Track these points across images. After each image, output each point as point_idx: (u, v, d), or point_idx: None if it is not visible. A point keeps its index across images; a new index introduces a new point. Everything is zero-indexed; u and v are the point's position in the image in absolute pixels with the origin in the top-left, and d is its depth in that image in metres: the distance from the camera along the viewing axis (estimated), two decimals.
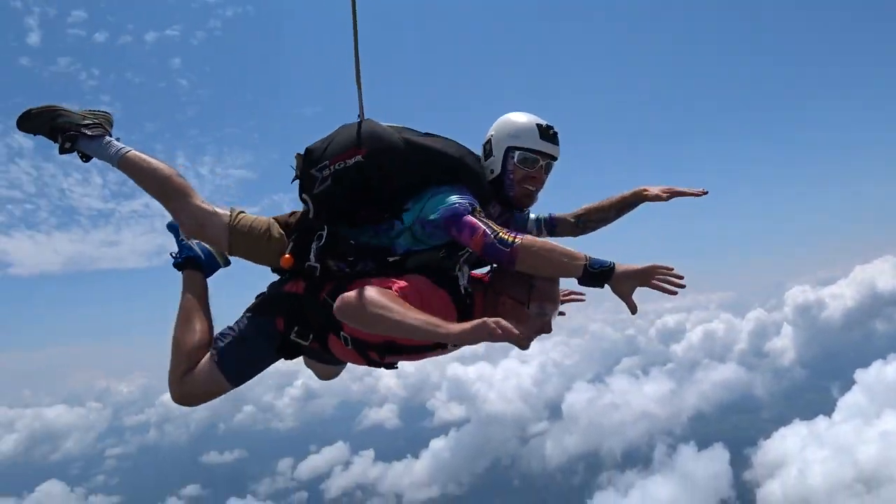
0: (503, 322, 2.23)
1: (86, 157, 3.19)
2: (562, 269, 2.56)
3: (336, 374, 3.76)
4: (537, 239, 2.61)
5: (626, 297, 2.48)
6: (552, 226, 3.42)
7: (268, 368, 3.14)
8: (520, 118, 3.00)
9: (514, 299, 2.82)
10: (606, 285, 2.48)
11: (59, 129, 3.13)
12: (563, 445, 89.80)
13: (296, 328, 2.93)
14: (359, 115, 2.99)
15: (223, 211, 3.12)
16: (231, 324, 3.08)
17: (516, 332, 2.22)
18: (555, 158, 3.03)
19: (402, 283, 2.66)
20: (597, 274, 2.47)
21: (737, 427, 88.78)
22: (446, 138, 3.03)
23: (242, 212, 3.08)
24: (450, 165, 2.91)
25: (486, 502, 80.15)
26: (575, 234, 3.43)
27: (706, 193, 3.17)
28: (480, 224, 2.63)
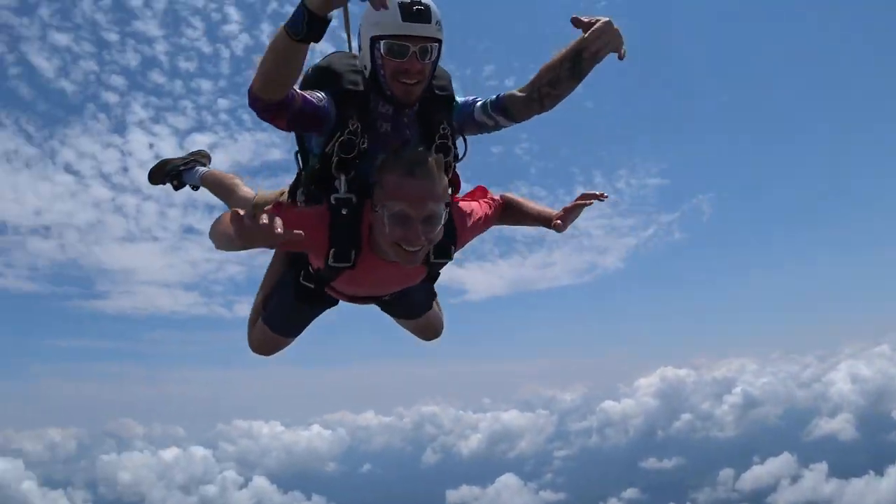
0: (260, 217, 2.12)
1: (194, 187, 3.89)
2: (273, 44, 2.25)
3: (430, 331, 3.79)
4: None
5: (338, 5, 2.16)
6: (502, 107, 2.86)
7: (313, 321, 3.42)
8: None
9: (372, 201, 2.54)
10: (313, 10, 2.12)
11: (168, 174, 3.91)
12: None
13: (301, 272, 3.00)
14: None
15: (253, 193, 3.43)
16: None
17: (253, 226, 2.11)
18: (432, 40, 2.58)
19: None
20: (299, 19, 2.14)
21: None
22: (339, 51, 2.96)
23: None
24: (321, 76, 2.78)
25: None
26: (534, 109, 2.84)
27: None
28: None
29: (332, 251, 2.64)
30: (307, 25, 2.16)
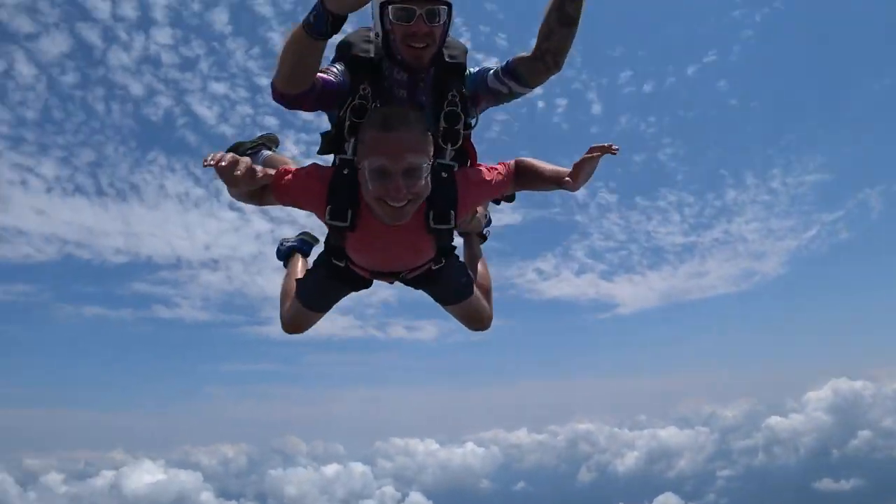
0: (226, 159, 2.38)
1: None
2: (293, 44, 2.40)
3: (475, 319, 3.80)
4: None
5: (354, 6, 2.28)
6: (512, 71, 2.82)
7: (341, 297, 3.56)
8: None
9: (356, 159, 2.65)
10: (333, 11, 2.26)
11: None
12: None
13: (332, 250, 3.07)
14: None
15: None
16: None
17: (227, 167, 2.38)
18: (439, 2, 2.64)
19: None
20: (319, 15, 2.28)
21: None
22: (363, 27, 3.00)
23: None
24: (340, 49, 2.91)
25: None
26: (539, 69, 2.75)
27: None
28: None
29: (328, 208, 2.75)
30: (329, 25, 2.32)
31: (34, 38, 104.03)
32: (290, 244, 4.27)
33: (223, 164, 2.39)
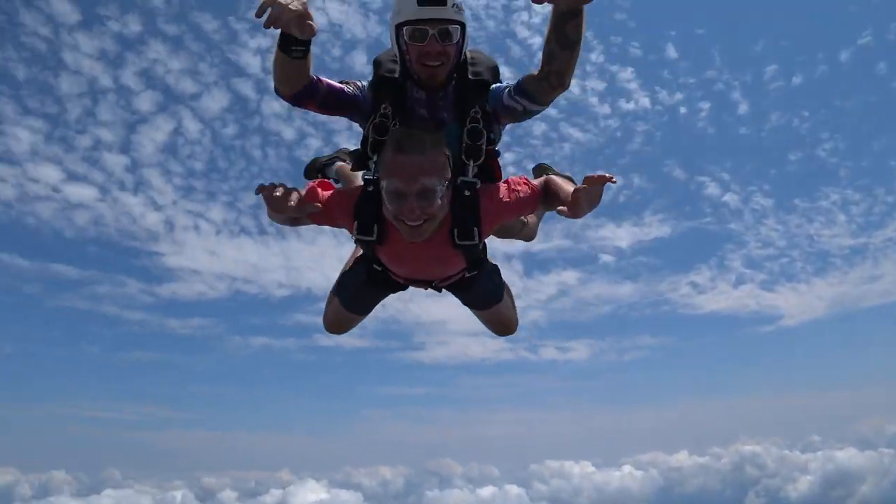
0: (279, 191, 2.58)
1: (335, 181, 3.93)
2: (275, 63, 2.52)
3: (500, 325, 3.77)
4: None
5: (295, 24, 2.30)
6: (523, 90, 2.75)
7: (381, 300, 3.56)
8: None
9: (378, 178, 2.74)
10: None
11: (316, 170, 3.97)
12: None
13: (371, 256, 3.12)
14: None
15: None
16: None
17: (271, 196, 2.56)
18: (451, 22, 2.67)
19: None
20: (281, 43, 2.41)
21: None
22: None
23: None
24: (373, 67, 2.98)
25: None
26: (545, 89, 2.66)
27: None
28: None
29: (356, 224, 2.84)
30: (294, 50, 2.44)
31: (197, 97, 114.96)
32: None
33: (277, 194, 2.61)
